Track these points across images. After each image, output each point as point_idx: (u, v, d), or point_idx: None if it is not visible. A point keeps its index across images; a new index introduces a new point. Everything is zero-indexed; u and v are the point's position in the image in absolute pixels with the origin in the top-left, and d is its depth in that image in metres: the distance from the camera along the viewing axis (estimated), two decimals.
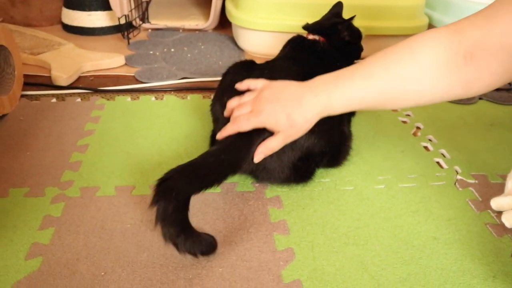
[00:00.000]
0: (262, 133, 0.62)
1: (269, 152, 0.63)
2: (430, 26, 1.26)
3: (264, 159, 0.63)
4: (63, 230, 0.61)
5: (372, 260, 0.58)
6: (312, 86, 0.62)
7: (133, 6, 1.28)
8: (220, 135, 0.63)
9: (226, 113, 0.67)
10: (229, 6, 1.23)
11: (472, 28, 0.54)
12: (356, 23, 0.91)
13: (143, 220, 0.63)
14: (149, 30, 1.37)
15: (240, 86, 0.68)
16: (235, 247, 0.59)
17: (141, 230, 0.61)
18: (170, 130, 0.85)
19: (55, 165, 0.74)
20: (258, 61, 0.81)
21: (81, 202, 0.66)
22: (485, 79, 0.55)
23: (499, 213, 0.67)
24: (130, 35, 1.29)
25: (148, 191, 0.69)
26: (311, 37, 0.87)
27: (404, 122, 0.92)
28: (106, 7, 1.28)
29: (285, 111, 0.60)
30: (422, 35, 0.59)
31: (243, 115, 0.63)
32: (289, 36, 0.90)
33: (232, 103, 0.67)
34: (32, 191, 0.68)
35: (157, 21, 1.38)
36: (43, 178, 0.71)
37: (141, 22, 1.35)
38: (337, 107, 0.61)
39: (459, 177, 0.76)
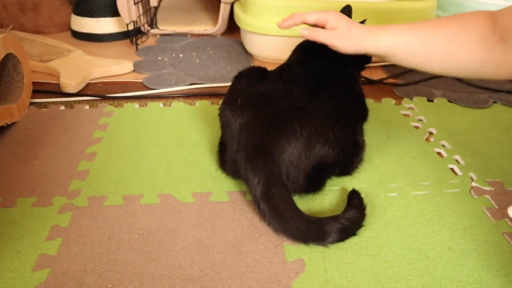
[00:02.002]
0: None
1: (314, 35, 0.69)
2: None
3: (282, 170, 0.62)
4: (70, 241, 0.60)
5: (385, 272, 0.57)
6: (371, 26, 0.70)
7: (141, 12, 1.28)
8: (284, 23, 0.71)
9: (290, 15, 0.72)
10: (237, 11, 1.23)
11: (509, 15, 0.60)
12: None
13: (151, 230, 0.62)
14: (158, 36, 1.37)
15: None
16: (244, 258, 0.58)
17: (149, 241, 0.61)
18: (178, 137, 0.84)
19: (63, 174, 0.73)
20: (267, 66, 0.80)
21: (88, 211, 0.65)
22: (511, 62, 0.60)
23: None
24: (139, 41, 1.29)
25: (156, 200, 0.68)
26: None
27: (417, 127, 0.90)
28: (115, 13, 1.29)
29: (349, 21, 0.70)
30: (467, 14, 0.65)
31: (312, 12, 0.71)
32: (298, 41, 0.89)
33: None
34: (40, 201, 0.67)
35: (165, 27, 1.38)
36: (51, 187, 0.70)
37: (149, 28, 1.35)
38: (383, 44, 0.67)
39: (474, 184, 0.74)
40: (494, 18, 0.62)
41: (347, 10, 0.93)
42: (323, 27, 0.69)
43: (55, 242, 0.60)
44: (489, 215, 0.67)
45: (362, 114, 0.80)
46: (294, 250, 0.59)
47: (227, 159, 0.70)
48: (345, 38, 0.68)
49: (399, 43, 0.66)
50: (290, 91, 0.68)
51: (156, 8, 1.36)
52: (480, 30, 0.62)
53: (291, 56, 0.87)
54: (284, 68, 0.77)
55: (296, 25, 0.71)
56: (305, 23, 0.70)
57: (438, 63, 0.66)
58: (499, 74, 0.62)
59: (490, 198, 0.70)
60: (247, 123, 0.65)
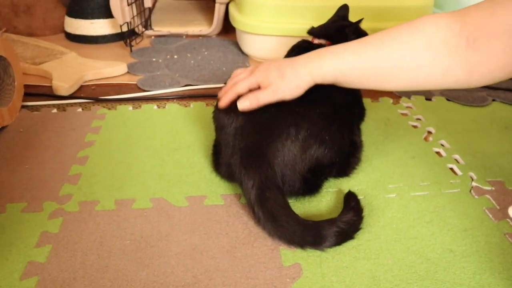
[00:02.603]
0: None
1: (255, 102, 0.62)
2: None
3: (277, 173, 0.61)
4: (60, 248, 0.59)
5: (384, 276, 0.55)
6: (307, 54, 0.63)
7: (135, 13, 1.26)
8: (222, 102, 0.66)
9: (223, 90, 0.68)
10: (232, 11, 1.21)
11: (477, 12, 0.53)
12: (363, 25, 0.88)
13: (143, 236, 0.60)
14: (152, 37, 1.36)
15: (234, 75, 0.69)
16: (239, 263, 0.56)
17: (141, 247, 0.59)
18: (172, 139, 0.82)
19: (54, 178, 0.72)
20: None
21: (79, 217, 0.64)
22: (488, 64, 0.52)
23: None
24: (133, 43, 1.28)
25: (149, 204, 0.66)
26: (316, 41, 0.84)
27: (415, 126, 0.89)
28: (109, 15, 1.27)
29: (277, 67, 0.63)
30: (423, 16, 0.57)
31: (241, 78, 0.66)
32: (295, 40, 0.88)
33: (230, 81, 0.69)
34: (30, 206, 0.66)
35: (160, 28, 1.36)
36: (42, 192, 0.68)
37: (144, 29, 1.34)
38: (327, 69, 0.60)
39: (474, 184, 0.72)
40: (458, 18, 0.54)
41: (343, 10, 0.92)
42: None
43: (44, 248, 0.58)
44: (490, 215, 0.65)
45: (359, 113, 0.79)
46: (291, 255, 0.58)
47: (222, 162, 0.68)
48: (285, 87, 0.61)
49: (344, 65, 0.59)
50: None
51: (150, 9, 1.34)
52: (440, 33, 0.54)
53: (286, 56, 0.86)
54: None
55: (232, 101, 0.64)
56: (240, 95, 0.64)
57: (394, 78, 0.58)
58: (472, 81, 0.54)
59: (491, 198, 0.69)
60: (242, 126, 0.63)
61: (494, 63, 0.52)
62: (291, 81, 0.61)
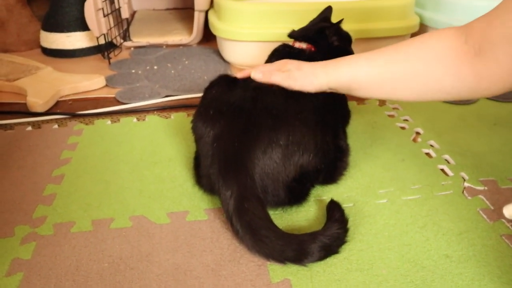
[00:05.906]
0: None
1: (267, 76, 0.65)
2: (421, 25, 1.21)
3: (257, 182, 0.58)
4: (32, 275, 0.55)
5: (379, 287, 0.52)
6: (324, 61, 0.66)
7: (112, 25, 1.23)
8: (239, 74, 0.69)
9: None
10: (212, 18, 1.19)
11: (477, 23, 0.55)
12: (345, 26, 0.86)
13: (122, 257, 0.57)
14: (132, 49, 1.32)
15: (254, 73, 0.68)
16: (224, 283, 0.53)
17: (120, 269, 0.55)
18: (152, 153, 0.79)
19: (27, 200, 0.68)
20: None
21: (54, 240, 0.60)
22: (495, 72, 0.53)
23: None
24: (111, 55, 1.24)
25: (128, 223, 0.62)
26: (297, 45, 0.82)
27: (403, 128, 0.86)
28: (85, 27, 1.23)
29: (296, 62, 0.68)
30: (430, 32, 0.60)
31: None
32: (276, 45, 0.85)
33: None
34: (1, 232, 0.62)
35: (139, 39, 1.33)
36: (14, 216, 0.64)
37: (122, 41, 1.30)
38: (343, 72, 0.63)
39: (466, 184, 0.70)
40: (462, 31, 0.56)
41: (327, 11, 0.90)
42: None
43: (15, 277, 0.54)
44: (485, 216, 0.63)
45: (343, 116, 0.76)
46: (279, 270, 0.54)
47: (202, 174, 0.65)
48: (299, 79, 0.64)
49: (360, 73, 0.61)
50: (259, 97, 0.63)
51: (128, 20, 1.31)
52: (449, 42, 0.56)
53: (266, 61, 0.83)
54: None
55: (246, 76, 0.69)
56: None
57: (409, 86, 0.59)
58: (482, 89, 0.55)
59: (484, 199, 0.67)
60: (220, 134, 0.60)
61: (500, 69, 0.53)
62: (307, 75, 0.64)
